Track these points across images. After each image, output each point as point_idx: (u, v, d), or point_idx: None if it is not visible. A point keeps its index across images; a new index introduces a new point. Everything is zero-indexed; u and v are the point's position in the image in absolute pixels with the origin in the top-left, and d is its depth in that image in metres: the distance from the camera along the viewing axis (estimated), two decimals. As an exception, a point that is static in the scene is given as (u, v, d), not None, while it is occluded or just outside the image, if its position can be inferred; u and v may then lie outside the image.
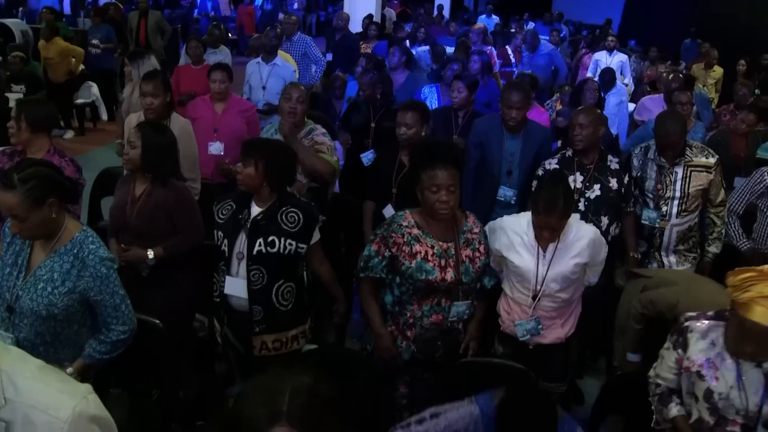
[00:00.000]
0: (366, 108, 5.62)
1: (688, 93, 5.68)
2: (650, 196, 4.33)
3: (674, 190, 4.28)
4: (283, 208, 3.35)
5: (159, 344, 3.34)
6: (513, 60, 10.77)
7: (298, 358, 3.43)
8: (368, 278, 3.41)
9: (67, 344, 2.88)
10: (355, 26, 11.07)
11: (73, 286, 2.76)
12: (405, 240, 3.28)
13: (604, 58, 10.51)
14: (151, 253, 3.55)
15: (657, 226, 4.31)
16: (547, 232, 3.33)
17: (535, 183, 4.29)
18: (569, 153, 4.34)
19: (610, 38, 10.67)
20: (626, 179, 4.30)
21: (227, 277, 3.37)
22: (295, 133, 4.39)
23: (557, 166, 4.27)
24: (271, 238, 3.30)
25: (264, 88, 6.63)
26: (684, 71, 10.97)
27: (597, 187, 4.23)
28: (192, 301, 3.84)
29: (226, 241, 3.36)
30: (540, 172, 4.35)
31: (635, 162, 4.43)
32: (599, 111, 4.37)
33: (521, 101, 4.46)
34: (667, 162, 4.27)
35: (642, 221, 4.36)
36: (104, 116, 10.36)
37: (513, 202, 4.57)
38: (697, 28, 14.96)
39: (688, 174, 4.27)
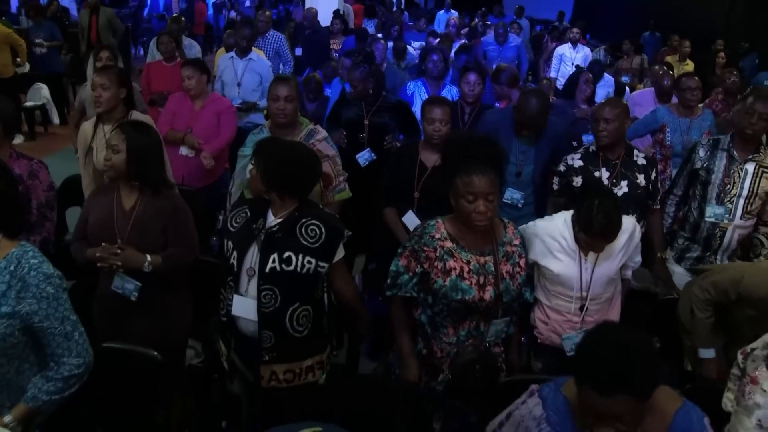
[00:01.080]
0: (357, 104, 5.18)
1: (696, 78, 5.44)
2: (716, 191, 4.03)
3: (742, 188, 3.98)
4: (303, 220, 2.91)
5: (159, 379, 2.90)
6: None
7: (316, 394, 3.00)
8: (398, 297, 3.01)
9: (4, 386, 2.35)
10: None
11: (11, 310, 2.23)
12: (438, 254, 2.88)
13: (567, 52, 10.26)
14: (148, 258, 3.07)
15: (722, 224, 4.01)
16: (596, 248, 3.06)
17: (550, 187, 4.02)
18: (593, 148, 4.02)
19: (574, 30, 10.40)
20: (653, 175, 4.00)
21: (235, 296, 2.93)
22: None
23: (581, 162, 3.96)
24: (287, 254, 2.85)
25: (239, 84, 6.15)
26: (649, 64, 10.98)
27: (624, 183, 3.95)
28: (185, 329, 3.39)
29: (235, 253, 2.91)
30: (562, 168, 4.04)
31: (701, 153, 4.12)
32: (625, 103, 4.03)
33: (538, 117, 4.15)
34: (739, 156, 3.98)
35: (706, 218, 4.05)
36: (56, 120, 9.69)
37: (519, 205, 4.25)
38: (656, 20, 14.96)
39: (759, 173, 3.98)
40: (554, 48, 11.33)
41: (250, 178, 2.93)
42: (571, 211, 3.16)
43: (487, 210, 2.78)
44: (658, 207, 4.10)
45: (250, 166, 3.77)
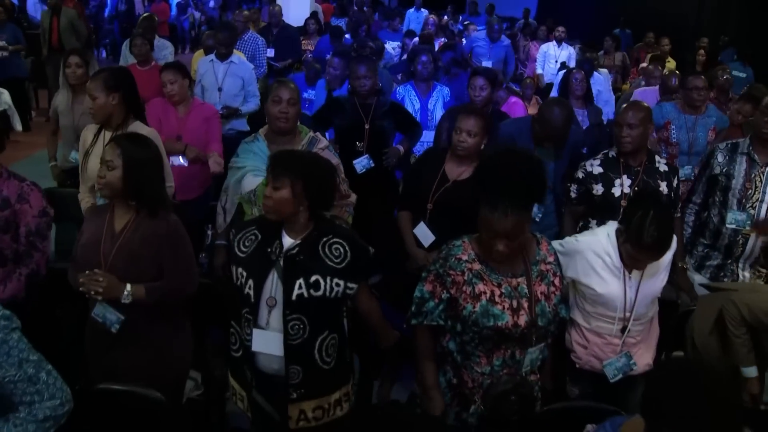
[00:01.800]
0: (352, 107, 4.82)
1: (703, 77, 5.28)
2: (737, 196, 3.83)
3: (764, 193, 3.80)
4: (325, 239, 2.64)
5: (154, 417, 2.62)
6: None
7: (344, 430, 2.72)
8: (423, 326, 2.73)
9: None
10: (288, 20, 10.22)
11: None
12: (466, 278, 2.61)
13: (552, 50, 10.12)
14: (128, 288, 2.71)
15: (744, 230, 3.82)
16: (641, 265, 2.85)
17: (567, 195, 3.82)
18: (613, 153, 3.80)
19: (559, 29, 10.23)
20: (675, 182, 3.81)
21: (255, 330, 2.63)
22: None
23: (601, 169, 3.74)
24: (314, 278, 2.58)
25: (220, 89, 5.80)
26: (628, 61, 10.88)
27: None
28: (184, 363, 3.06)
29: (251, 282, 2.61)
30: (580, 175, 3.83)
31: (720, 158, 3.94)
32: (648, 106, 3.82)
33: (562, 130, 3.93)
34: (760, 160, 3.78)
35: (727, 224, 3.86)
36: (18, 126, 9.17)
37: (537, 219, 4.02)
38: (626, 16, 14.90)
39: None
40: (530, 46, 11.21)
41: (266, 197, 2.60)
42: (614, 224, 2.96)
43: (507, 250, 2.52)
44: (678, 215, 3.91)
45: (253, 180, 3.51)
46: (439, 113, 5.72)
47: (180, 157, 4.55)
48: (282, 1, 11.52)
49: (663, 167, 3.79)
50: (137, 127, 3.86)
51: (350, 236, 2.71)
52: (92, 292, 2.67)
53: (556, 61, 9.98)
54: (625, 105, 3.77)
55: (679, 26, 13.83)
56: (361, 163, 4.69)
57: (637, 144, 3.67)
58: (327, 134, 4.81)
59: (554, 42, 10.18)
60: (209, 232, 4.42)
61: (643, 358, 3.04)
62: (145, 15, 7.24)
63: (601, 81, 7.29)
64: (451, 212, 3.63)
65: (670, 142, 5.16)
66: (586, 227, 3.79)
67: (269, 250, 2.62)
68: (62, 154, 4.95)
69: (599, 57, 10.23)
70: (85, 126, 4.07)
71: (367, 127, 4.77)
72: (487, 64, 8.56)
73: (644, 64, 9.08)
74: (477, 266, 2.62)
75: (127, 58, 6.76)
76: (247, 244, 2.69)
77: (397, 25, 11.44)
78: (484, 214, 2.47)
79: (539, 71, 10.03)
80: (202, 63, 5.95)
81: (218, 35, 5.87)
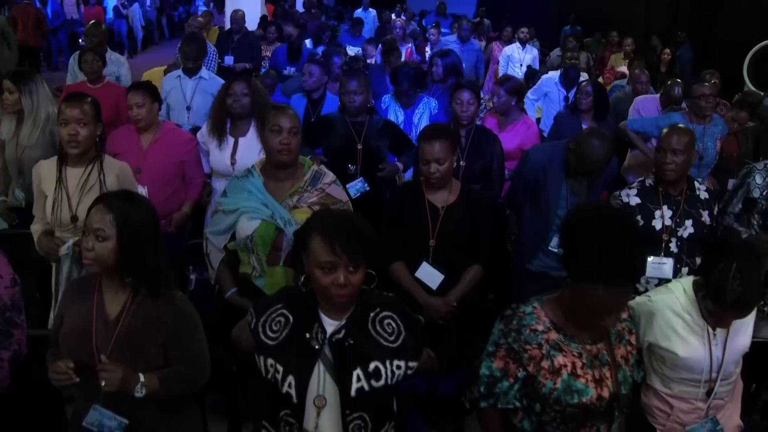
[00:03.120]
0: (343, 125, 4.39)
1: (708, 85, 5.00)
2: None
3: None
4: (372, 314, 2.19)
5: None
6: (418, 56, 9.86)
7: None
8: (495, 409, 2.31)
9: None
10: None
11: None
12: (544, 352, 2.21)
13: (516, 53, 9.81)
14: (141, 378, 2.22)
15: None
16: (725, 323, 2.54)
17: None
18: (650, 181, 3.45)
19: (523, 30, 9.90)
20: (716, 209, 3.52)
21: None
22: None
23: (638, 199, 3.39)
24: (373, 366, 2.13)
25: (189, 108, 5.22)
26: (592, 61, 10.67)
27: (689, 223, 3.44)
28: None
29: (291, 379, 2.12)
30: (615, 206, 3.41)
31: (759, 179, 3.68)
32: (691, 130, 3.49)
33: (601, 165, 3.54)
34: None
35: None
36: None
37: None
38: (577, 13, 14.77)
39: None
40: (493, 48, 10.88)
41: (342, 286, 2.08)
42: (691, 278, 2.62)
43: (614, 323, 2.27)
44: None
45: (249, 225, 3.02)
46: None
47: (144, 189, 4.00)
48: (232, 2, 10.99)
49: (704, 194, 3.49)
50: (109, 163, 3.40)
51: (397, 304, 2.28)
52: (102, 384, 2.16)
53: (521, 64, 9.70)
54: (668, 128, 3.42)
55: (630, 23, 13.76)
56: (355, 187, 4.29)
57: (681, 172, 3.37)
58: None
59: (518, 44, 9.86)
60: (192, 276, 3.91)
61: (732, 420, 2.70)
62: (92, 23, 6.53)
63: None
64: (455, 242, 3.30)
65: (679, 154, 4.85)
66: None
67: (308, 335, 2.14)
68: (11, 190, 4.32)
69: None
70: (30, 159, 3.56)
71: (359, 147, 4.36)
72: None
73: (624, 68, 8.80)
74: (554, 335, 2.23)
75: (76, 74, 6.09)
76: (275, 328, 2.19)
77: (357, 30, 10.96)
78: (601, 294, 2.06)
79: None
80: (168, 79, 5.35)
81: (184, 48, 5.28)
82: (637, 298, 2.65)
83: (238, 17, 8.28)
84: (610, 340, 2.29)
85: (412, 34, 10.92)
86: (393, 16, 13.50)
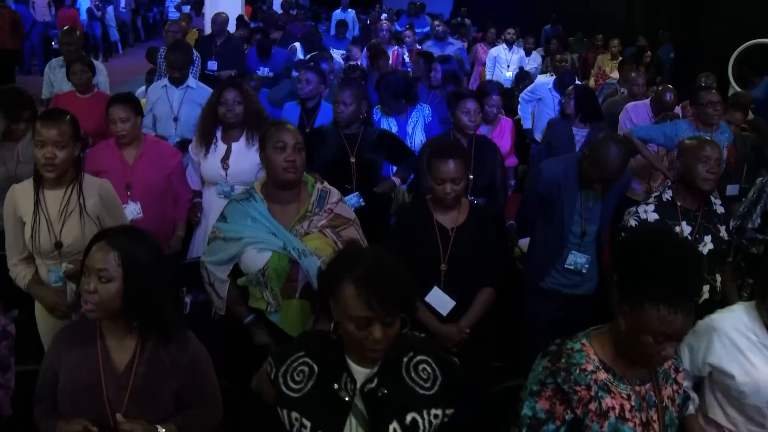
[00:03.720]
0: (336, 137, 4.22)
1: (716, 91, 4.86)
2: None
3: None
4: (405, 359, 2.02)
5: None
6: (407, 60, 9.66)
7: None
8: None
9: None
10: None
11: None
12: (593, 393, 2.06)
13: (503, 54, 9.66)
14: (161, 431, 2.07)
15: None
16: None
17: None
18: (668, 196, 3.31)
19: (509, 31, 9.77)
20: (731, 224, 3.41)
21: None
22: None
23: (656, 215, 3.27)
24: (411, 417, 1.95)
25: (176, 119, 4.99)
26: (576, 61, 10.59)
27: (708, 239, 3.31)
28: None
29: None
30: (632, 223, 3.30)
31: None
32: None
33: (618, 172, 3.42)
34: None
35: None
36: None
37: (584, 270, 3.53)
38: (558, 13, 14.70)
39: None
40: (478, 49, 10.73)
41: (377, 341, 1.88)
42: (748, 303, 2.50)
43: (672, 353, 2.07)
44: (731, 259, 3.51)
45: (258, 257, 2.82)
46: (419, 137, 5.14)
47: (137, 205, 3.83)
48: (211, 4, 10.74)
49: (720, 209, 3.38)
50: (90, 182, 3.16)
51: (431, 347, 2.11)
52: None
53: (508, 66, 9.57)
54: (695, 139, 3.32)
55: (612, 23, 13.73)
56: (350, 202, 4.05)
57: (717, 183, 3.28)
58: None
59: (505, 45, 9.72)
60: (186, 300, 3.71)
61: None
62: (66, 29, 6.24)
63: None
64: (466, 265, 3.14)
65: (686, 163, 4.73)
66: None
67: (337, 386, 1.96)
68: None
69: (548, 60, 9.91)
70: (25, 175, 3.32)
71: (352, 160, 4.20)
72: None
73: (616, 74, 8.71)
74: (602, 375, 2.08)
75: (52, 85, 5.82)
76: (298, 378, 2.02)
77: (342, 33, 10.76)
78: (663, 314, 1.94)
79: (488, 77, 9.55)
80: (154, 89, 5.12)
81: (170, 57, 5.05)
82: (704, 322, 2.52)
83: (221, 21, 8.01)
84: (657, 379, 2.16)
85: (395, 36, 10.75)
86: (384, 16, 13.25)
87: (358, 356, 1.98)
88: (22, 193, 3.08)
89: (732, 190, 5.22)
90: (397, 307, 1.87)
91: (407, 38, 9.81)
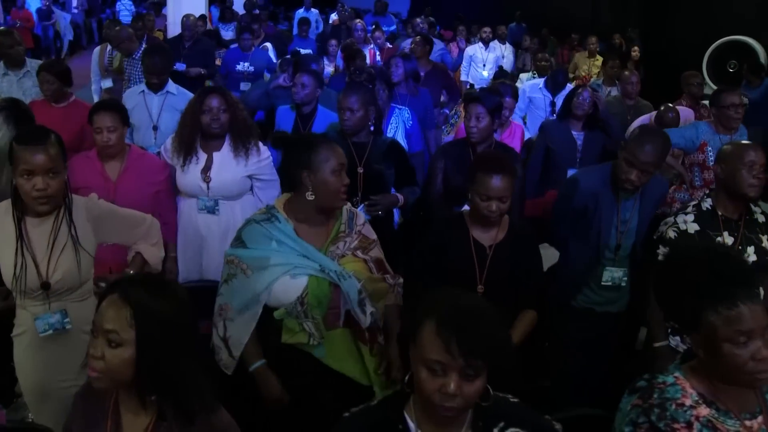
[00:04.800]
0: (343, 146, 3.86)
1: (739, 94, 4.67)
2: None
3: None
4: (495, 430, 1.71)
5: None
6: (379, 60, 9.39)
7: None
8: None
9: None
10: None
11: None
12: (696, 430, 1.80)
13: (479, 53, 9.45)
14: None
15: None
16: None
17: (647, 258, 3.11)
18: (707, 205, 3.08)
19: (485, 30, 9.56)
20: None
21: None
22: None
23: (696, 226, 3.04)
24: None
25: (155, 128, 4.60)
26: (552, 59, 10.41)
27: (751, 250, 3.08)
28: None
29: None
30: (672, 234, 3.06)
31: None
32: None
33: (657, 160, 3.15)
34: None
35: None
36: None
37: (623, 284, 3.29)
38: (523, 11, 14.56)
39: None
40: (451, 48, 10.52)
41: (448, 396, 1.58)
42: None
43: None
44: None
45: (294, 284, 2.50)
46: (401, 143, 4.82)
47: None
48: (174, 4, 10.33)
49: (761, 218, 3.15)
50: (78, 204, 2.71)
51: (528, 414, 1.78)
52: None
53: (484, 65, 9.37)
54: (739, 143, 3.10)
55: (576, 20, 13.63)
56: None
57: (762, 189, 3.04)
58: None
59: (481, 44, 9.51)
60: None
61: None
62: (1, 30, 5.74)
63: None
64: (506, 286, 2.86)
65: (707, 165, 4.55)
66: None
67: None
68: None
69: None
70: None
71: (360, 171, 3.86)
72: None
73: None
74: (705, 411, 1.82)
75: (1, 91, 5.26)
76: None
77: (305, 32, 10.41)
78: (724, 316, 1.76)
79: (464, 78, 9.34)
80: (130, 95, 4.71)
81: (147, 61, 4.65)
82: None
83: (191, 23, 7.64)
84: None
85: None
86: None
87: (430, 423, 1.67)
88: None
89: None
90: (480, 357, 1.57)
91: (378, 39, 9.53)
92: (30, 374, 2.74)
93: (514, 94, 5.26)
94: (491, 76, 8.80)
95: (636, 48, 9.43)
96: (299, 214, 2.59)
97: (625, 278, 3.30)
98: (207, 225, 3.75)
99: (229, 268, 2.57)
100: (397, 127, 4.95)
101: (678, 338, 3.11)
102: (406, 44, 8.29)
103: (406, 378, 1.69)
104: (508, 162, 2.96)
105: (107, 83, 6.76)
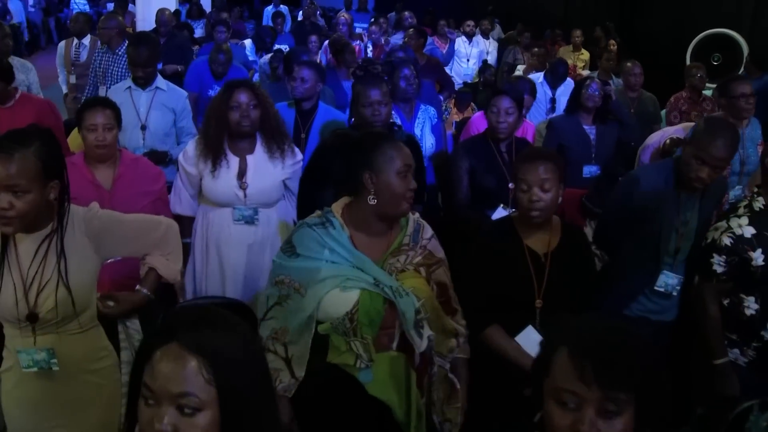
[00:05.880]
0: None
1: (749, 84, 4.42)
2: None
3: None
4: None
5: None
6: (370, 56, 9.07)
7: None
8: None
9: None
10: (150, 25, 8.64)
11: None
12: None
13: (463, 47, 9.26)
14: None
15: None
16: None
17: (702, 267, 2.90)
18: (760, 204, 2.83)
19: (469, 23, 9.33)
20: None
21: None
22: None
23: (753, 229, 2.79)
24: None
25: (144, 127, 4.20)
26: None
27: None
28: None
29: None
30: (728, 241, 2.81)
31: None
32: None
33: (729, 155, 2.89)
34: None
35: None
36: None
37: (675, 293, 3.04)
38: (495, 6, 14.38)
39: None
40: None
41: None
42: None
43: None
44: None
45: (344, 297, 2.19)
46: (429, 140, 4.54)
47: None
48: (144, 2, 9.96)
49: None
50: (76, 214, 2.29)
51: None
52: None
53: (468, 59, 9.15)
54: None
55: (548, 14, 13.50)
56: None
57: None
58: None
59: (464, 38, 9.28)
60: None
61: None
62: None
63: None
64: (567, 298, 2.56)
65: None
66: (737, 308, 2.85)
67: None
68: None
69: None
70: None
71: None
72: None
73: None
74: None
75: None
76: None
77: (279, 26, 10.03)
78: None
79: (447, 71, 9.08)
80: (115, 92, 4.27)
81: (131, 53, 4.21)
82: None
83: (166, 18, 7.29)
84: None
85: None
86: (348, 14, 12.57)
87: None
88: None
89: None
90: (622, 389, 1.28)
91: (373, 34, 9.23)
92: (18, 417, 2.35)
93: (532, 91, 4.96)
94: (474, 72, 8.66)
95: (613, 42, 9.20)
96: (358, 221, 2.32)
97: (678, 287, 3.04)
98: (242, 237, 3.36)
99: (279, 289, 2.30)
100: (424, 123, 4.67)
101: (737, 350, 2.87)
102: (397, 38, 8.05)
103: (536, 418, 1.39)
104: (548, 152, 2.76)
105: (72, 79, 6.41)
